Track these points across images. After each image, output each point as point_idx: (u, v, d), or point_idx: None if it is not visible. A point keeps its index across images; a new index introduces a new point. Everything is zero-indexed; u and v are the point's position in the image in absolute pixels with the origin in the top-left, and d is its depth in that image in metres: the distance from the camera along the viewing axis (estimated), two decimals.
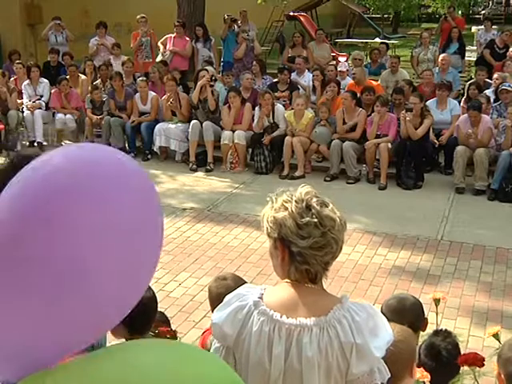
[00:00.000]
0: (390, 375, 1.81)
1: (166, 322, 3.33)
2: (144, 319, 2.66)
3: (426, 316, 2.93)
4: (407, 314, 2.75)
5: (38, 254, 0.83)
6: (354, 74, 9.65)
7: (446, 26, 13.93)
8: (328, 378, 1.78)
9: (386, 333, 1.80)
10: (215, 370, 0.96)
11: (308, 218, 1.78)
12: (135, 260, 0.92)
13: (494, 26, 12.93)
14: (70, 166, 0.88)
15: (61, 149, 0.95)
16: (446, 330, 2.86)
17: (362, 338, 1.75)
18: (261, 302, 1.85)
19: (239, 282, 2.91)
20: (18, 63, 10.64)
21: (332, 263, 1.86)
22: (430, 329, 2.97)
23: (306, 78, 10.16)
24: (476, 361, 2.40)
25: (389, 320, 2.72)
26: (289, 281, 1.87)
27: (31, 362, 0.89)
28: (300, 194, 1.83)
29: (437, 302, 3.17)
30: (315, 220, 1.78)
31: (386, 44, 13.25)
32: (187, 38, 11.52)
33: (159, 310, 3.47)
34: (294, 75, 10.22)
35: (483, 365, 2.43)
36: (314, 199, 1.82)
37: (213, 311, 2.95)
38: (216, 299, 2.90)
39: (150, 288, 2.85)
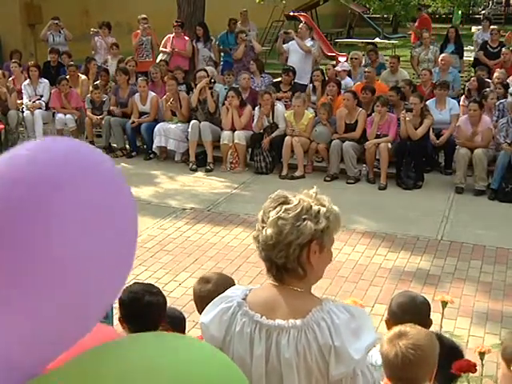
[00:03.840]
0: (374, 379, 1.82)
1: (183, 320, 3.27)
2: (148, 323, 2.64)
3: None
4: (414, 311, 2.75)
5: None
6: (368, 72, 9.57)
7: (418, 23, 14.54)
8: (309, 380, 1.79)
9: (368, 335, 1.79)
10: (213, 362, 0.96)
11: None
12: (108, 249, 0.90)
13: (492, 26, 12.91)
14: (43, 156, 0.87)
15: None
16: (437, 333, 2.85)
17: (340, 340, 1.75)
18: (244, 303, 1.87)
19: (224, 284, 2.85)
20: (13, 62, 10.66)
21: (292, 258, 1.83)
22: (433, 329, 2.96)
23: (308, 44, 10.68)
24: (470, 367, 2.41)
25: (397, 316, 2.72)
26: (272, 282, 1.89)
27: (19, 372, 0.88)
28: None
29: (444, 304, 3.16)
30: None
31: (375, 45, 13.33)
32: (186, 38, 11.52)
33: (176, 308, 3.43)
34: (294, 41, 10.65)
35: (476, 370, 2.44)
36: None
37: (199, 312, 2.93)
38: (198, 302, 2.88)
39: (160, 293, 2.82)
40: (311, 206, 1.81)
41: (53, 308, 0.84)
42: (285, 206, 1.81)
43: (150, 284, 3.01)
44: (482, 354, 2.64)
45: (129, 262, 0.97)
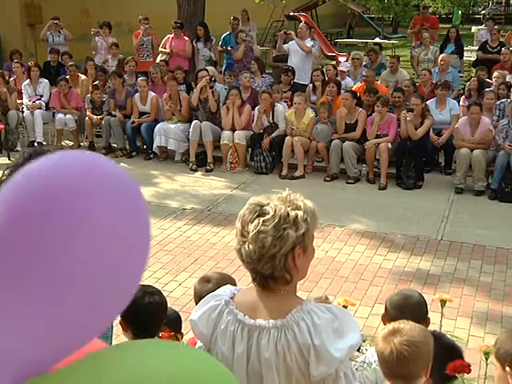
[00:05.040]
0: (357, 382, 1.83)
1: (178, 319, 3.29)
2: (149, 324, 2.63)
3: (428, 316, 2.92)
4: (409, 310, 2.75)
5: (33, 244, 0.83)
6: (366, 76, 9.51)
7: (416, 21, 14.23)
8: (289, 381, 1.80)
9: (352, 336, 1.79)
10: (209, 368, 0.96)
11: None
12: (124, 256, 0.91)
13: (495, 26, 12.90)
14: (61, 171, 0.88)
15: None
16: (438, 333, 2.85)
17: (320, 339, 1.75)
18: (231, 301, 1.90)
19: (224, 283, 2.86)
20: (15, 62, 10.66)
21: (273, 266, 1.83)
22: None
23: (308, 44, 10.60)
24: (464, 368, 2.41)
25: (392, 315, 2.72)
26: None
27: (28, 365, 0.88)
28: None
29: (443, 303, 3.15)
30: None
31: (380, 44, 13.29)
32: (186, 38, 11.52)
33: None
34: (294, 41, 10.56)
35: (470, 371, 2.44)
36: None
37: None
38: (198, 301, 2.88)
39: (159, 292, 2.83)
40: (288, 213, 1.78)
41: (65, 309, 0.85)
42: (262, 218, 1.79)
43: (148, 285, 3.00)
44: (487, 354, 2.61)
45: (139, 271, 0.98)
